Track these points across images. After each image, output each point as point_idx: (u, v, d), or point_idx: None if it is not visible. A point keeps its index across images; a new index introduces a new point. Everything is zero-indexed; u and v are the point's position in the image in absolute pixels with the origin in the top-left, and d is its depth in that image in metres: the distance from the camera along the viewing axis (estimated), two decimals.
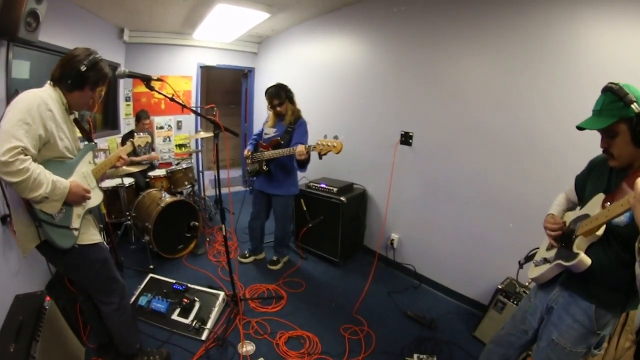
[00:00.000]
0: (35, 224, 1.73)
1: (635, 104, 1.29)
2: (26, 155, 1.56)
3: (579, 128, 1.45)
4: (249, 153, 3.64)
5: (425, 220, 3.71)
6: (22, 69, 3.09)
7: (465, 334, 2.98)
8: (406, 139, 3.73)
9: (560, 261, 1.53)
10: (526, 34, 2.71)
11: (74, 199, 1.84)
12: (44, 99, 1.70)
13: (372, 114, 4.13)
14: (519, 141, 2.87)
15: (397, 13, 3.65)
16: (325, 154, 3.06)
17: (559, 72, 2.57)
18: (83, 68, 1.79)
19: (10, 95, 2.68)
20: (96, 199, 2.07)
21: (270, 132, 3.59)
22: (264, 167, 3.53)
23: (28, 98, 1.66)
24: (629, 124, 1.31)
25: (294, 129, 3.48)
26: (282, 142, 3.45)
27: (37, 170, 1.60)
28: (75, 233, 1.90)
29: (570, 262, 1.45)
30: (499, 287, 2.79)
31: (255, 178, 3.75)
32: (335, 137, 3.03)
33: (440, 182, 3.51)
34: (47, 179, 1.65)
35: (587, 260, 1.40)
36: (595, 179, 1.61)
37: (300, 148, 3.14)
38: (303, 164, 3.34)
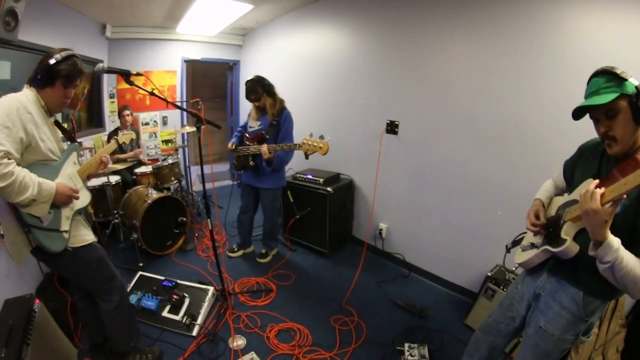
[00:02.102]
0: (24, 230, 1.72)
1: (631, 78, 1.27)
2: (9, 159, 1.55)
3: (578, 111, 1.39)
4: (233, 146, 3.62)
5: (414, 208, 3.72)
6: (2, 69, 3.04)
7: (456, 322, 3.02)
8: (392, 128, 3.73)
9: (547, 247, 1.53)
10: (511, 22, 2.71)
11: (62, 199, 1.83)
12: (22, 102, 1.68)
13: (358, 103, 4.12)
14: (504, 129, 2.88)
15: (381, 2, 3.63)
16: (311, 154, 3.07)
17: (544, 59, 2.58)
18: (52, 61, 1.76)
19: None
20: (84, 199, 2.06)
21: (255, 125, 3.55)
22: (250, 162, 3.51)
23: (6, 102, 1.64)
24: (629, 100, 1.27)
25: (279, 122, 3.45)
26: (268, 137, 3.43)
27: (22, 173, 1.59)
28: (66, 235, 1.89)
29: (558, 248, 1.44)
30: (489, 274, 2.81)
31: (242, 172, 3.73)
32: (322, 137, 3.03)
33: (427, 171, 3.52)
34: (32, 182, 1.64)
35: (575, 247, 1.39)
36: (586, 165, 1.59)
37: (264, 148, 3.27)
38: (269, 163, 3.39)
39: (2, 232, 2.41)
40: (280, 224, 4.52)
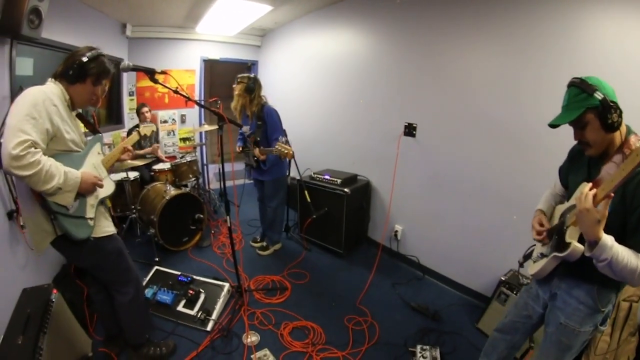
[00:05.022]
0: (50, 217, 1.75)
1: (597, 92, 1.37)
2: (36, 148, 1.58)
3: (551, 126, 1.52)
4: (240, 149, 3.78)
5: (429, 211, 3.71)
6: (25, 65, 3.10)
7: (469, 326, 3.00)
8: (410, 130, 3.73)
9: (555, 253, 1.56)
10: (532, 26, 2.69)
11: (86, 187, 1.87)
12: (48, 94, 1.72)
13: (376, 105, 4.12)
14: (523, 133, 2.85)
15: (401, 4, 3.63)
16: (284, 158, 3.29)
17: (564, 64, 2.55)
18: (85, 59, 1.82)
19: (15, 92, 2.70)
20: (108, 188, 2.11)
21: (246, 129, 3.66)
22: (253, 162, 3.68)
23: (33, 93, 1.68)
24: (596, 111, 1.38)
25: (263, 120, 3.54)
26: (259, 139, 3.55)
27: (48, 162, 1.62)
28: (91, 223, 1.93)
29: (564, 252, 1.48)
30: (502, 278, 2.80)
31: (253, 170, 3.86)
32: (287, 142, 3.37)
33: (444, 174, 3.51)
34: (59, 170, 1.67)
35: (580, 247, 1.42)
36: (577, 170, 1.69)
37: (256, 152, 3.54)
38: (264, 163, 3.58)
39: (22, 224, 2.50)
40: (296, 223, 4.58)
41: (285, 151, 3.16)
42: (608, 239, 1.30)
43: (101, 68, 1.90)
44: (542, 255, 1.72)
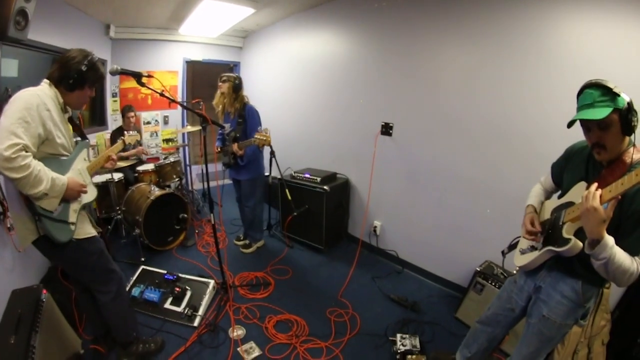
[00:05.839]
0: (34, 218, 1.80)
1: (623, 94, 1.39)
2: (27, 152, 1.62)
3: (573, 122, 1.48)
4: (218, 149, 3.88)
5: (407, 207, 3.85)
6: (10, 67, 3.10)
7: (447, 316, 3.13)
8: (386, 129, 3.86)
9: (550, 247, 1.63)
10: (499, 30, 2.84)
11: (71, 194, 1.92)
12: (42, 98, 1.76)
13: (354, 105, 4.23)
14: (492, 132, 3.01)
15: (378, 9, 3.75)
16: (262, 146, 3.43)
17: (528, 67, 2.70)
18: (84, 68, 1.88)
19: (0, 93, 2.71)
20: (91, 194, 2.15)
21: (228, 127, 3.71)
22: (231, 160, 3.75)
23: (27, 97, 1.72)
24: (620, 113, 1.38)
25: (244, 117, 3.64)
26: (238, 135, 3.63)
27: (38, 167, 1.67)
28: (72, 227, 1.97)
29: (562, 248, 1.55)
30: (477, 269, 2.93)
31: (229, 169, 3.94)
32: (266, 130, 3.44)
33: (419, 171, 3.65)
34: (47, 176, 1.71)
35: (579, 244, 1.49)
36: (574, 168, 1.72)
37: (234, 147, 3.60)
38: (242, 158, 3.65)
39: (9, 226, 2.51)
40: (278, 221, 4.67)
41: (264, 138, 3.27)
42: (609, 239, 1.34)
43: (98, 74, 1.98)
44: (533, 248, 1.79)
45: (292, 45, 5.21)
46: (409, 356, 2.57)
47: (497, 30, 2.86)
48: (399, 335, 2.75)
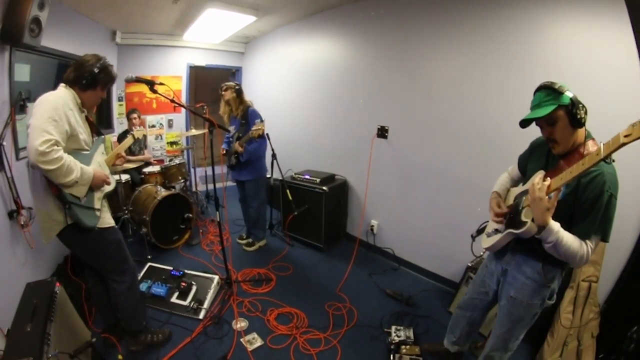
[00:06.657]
0: (64, 207, 1.98)
1: (568, 91, 1.54)
2: (58, 146, 1.83)
3: (524, 122, 1.64)
4: (224, 151, 4.05)
5: (402, 207, 3.99)
6: (23, 72, 3.23)
7: (441, 310, 3.26)
8: (382, 132, 4.01)
9: (511, 230, 1.77)
10: (491, 36, 2.97)
11: (97, 183, 2.14)
12: (65, 99, 1.97)
13: (352, 109, 4.38)
14: (480, 135, 3.16)
15: (375, 17, 3.89)
16: (258, 136, 3.61)
17: (514, 72, 2.85)
18: (96, 70, 2.09)
19: (14, 97, 2.84)
20: (112, 184, 2.37)
21: (232, 130, 3.90)
22: (234, 160, 3.91)
23: (52, 98, 1.92)
24: (566, 109, 1.53)
25: (247, 119, 3.81)
26: (241, 135, 3.80)
27: (68, 159, 1.88)
28: (98, 213, 2.19)
29: (520, 230, 1.67)
30: (469, 264, 3.07)
31: (233, 170, 4.09)
32: (262, 120, 3.69)
33: (414, 172, 3.79)
34: (77, 166, 1.94)
35: (534, 227, 1.59)
36: (536, 159, 1.87)
37: (236, 145, 3.76)
38: (242, 155, 3.79)
39: (22, 223, 2.67)
40: (279, 221, 4.81)
41: (258, 128, 3.53)
42: (554, 225, 1.50)
43: (110, 76, 2.19)
44: (497, 231, 1.94)
45: (292, 51, 5.35)
46: (403, 346, 2.69)
47: (485, 38, 3.00)
48: (393, 327, 2.89)
